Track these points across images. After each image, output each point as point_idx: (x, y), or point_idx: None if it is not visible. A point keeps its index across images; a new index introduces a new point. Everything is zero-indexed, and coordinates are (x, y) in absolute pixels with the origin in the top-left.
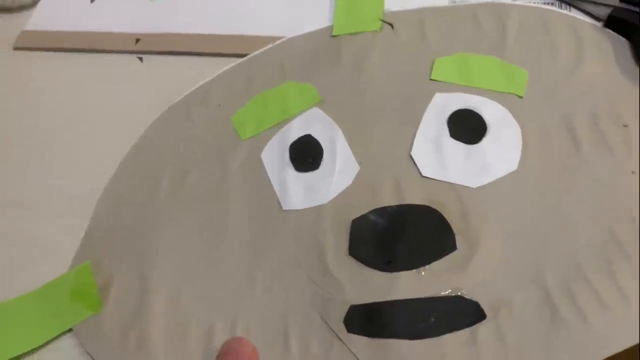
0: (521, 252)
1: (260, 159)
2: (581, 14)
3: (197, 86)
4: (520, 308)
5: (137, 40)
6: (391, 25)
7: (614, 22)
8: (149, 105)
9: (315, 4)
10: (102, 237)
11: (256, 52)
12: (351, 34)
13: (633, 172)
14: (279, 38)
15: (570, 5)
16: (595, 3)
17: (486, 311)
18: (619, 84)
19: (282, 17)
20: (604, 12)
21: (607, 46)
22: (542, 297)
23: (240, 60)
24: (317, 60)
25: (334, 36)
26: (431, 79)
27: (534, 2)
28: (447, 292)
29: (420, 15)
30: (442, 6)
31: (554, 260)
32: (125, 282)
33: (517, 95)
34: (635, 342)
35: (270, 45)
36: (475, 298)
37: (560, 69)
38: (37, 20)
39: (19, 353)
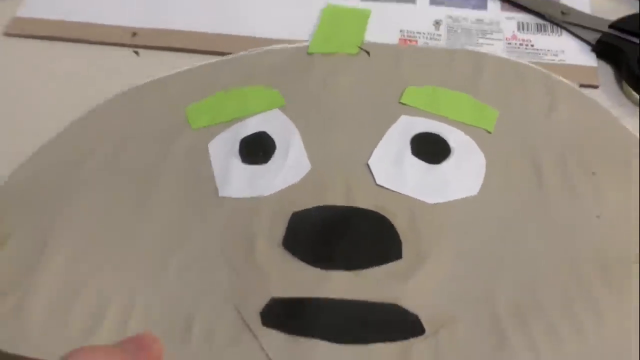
0: (473, 272)
1: (207, 148)
2: (572, 37)
3: (158, 77)
4: (465, 330)
5: (134, 34)
6: (367, 52)
7: (602, 47)
8: None
9: (313, 8)
10: (15, 192)
11: (226, 57)
12: (326, 53)
13: (598, 217)
14: (275, 41)
15: (561, 27)
16: (585, 27)
17: (426, 326)
18: (590, 133)
19: (280, 20)
20: (593, 37)
21: (581, 103)
22: (491, 322)
23: (208, 61)
24: (288, 72)
25: (309, 54)
26: (400, 102)
27: (527, 22)
28: (383, 300)
29: (398, 49)
30: (422, 47)
31: (509, 287)
32: (22, 241)
33: (485, 130)
34: None
35: (242, 53)
36: (415, 311)
37: (531, 114)
38: (31, 7)
39: None
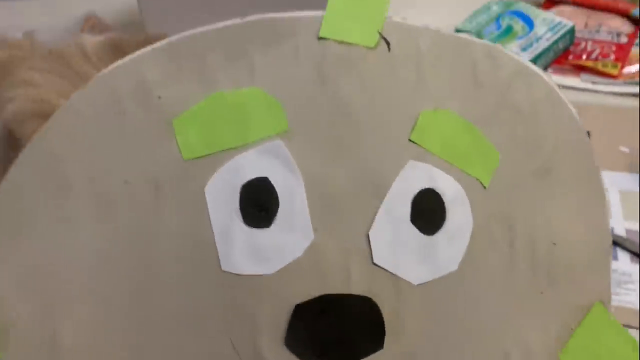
0: (445, 355)
1: (204, 193)
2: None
3: (128, 59)
4: None
5: None
6: (388, 44)
7: None
8: None
9: None
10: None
11: (215, 26)
12: (341, 42)
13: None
14: None
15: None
16: None
17: None
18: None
19: None
20: None
21: (585, 159)
22: None
23: (189, 32)
24: (294, 68)
25: (320, 38)
26: (410, 140)
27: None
28: None
29: (420, 40)
30: (444, 35)
31: None
32: (29, 328)
33: (481, 183)
34: None
35: (236, 21)
36: None
37: (530, 169)
38: None
39: None
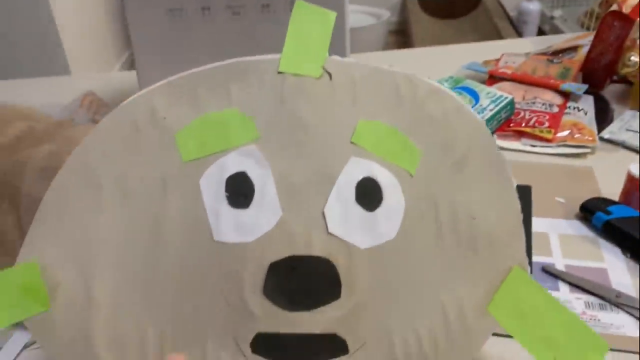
0: (383, 308)
1: (199, 184)
2: (627, 314)
3: (141, 93)
4: (369, 353)
5: None
6: (330, 75)
7: None
8: None
9: None
10: (48, 236)
11: (204, 68)
12: (295, 74)
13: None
14: None
15: (617, 307)
16: (635, 308)
17: (350, 348)
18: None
19: None
20: None
21: (493, 158)
22: (390, 346)
23: (185, 73)
24: (261, 94)
25: (279, 72)
26: (351, 142)
27: (592, 302)
28: (327, 331)
29: (354, 71)
30: (372, 67)
31: (406, 324)
32: (70, 287)
33: (409, 172)
34: None
35: (218, 64)
36: (344, 337)
37: (448, 163)
38: None
39: None
